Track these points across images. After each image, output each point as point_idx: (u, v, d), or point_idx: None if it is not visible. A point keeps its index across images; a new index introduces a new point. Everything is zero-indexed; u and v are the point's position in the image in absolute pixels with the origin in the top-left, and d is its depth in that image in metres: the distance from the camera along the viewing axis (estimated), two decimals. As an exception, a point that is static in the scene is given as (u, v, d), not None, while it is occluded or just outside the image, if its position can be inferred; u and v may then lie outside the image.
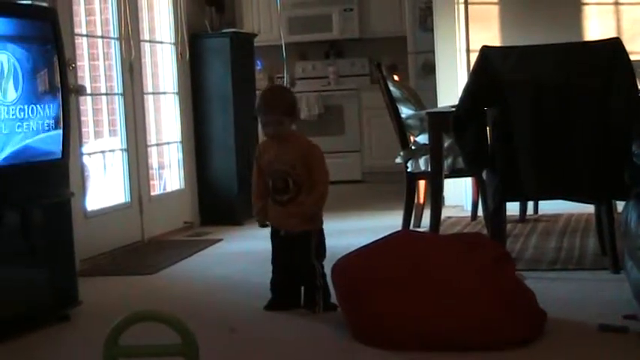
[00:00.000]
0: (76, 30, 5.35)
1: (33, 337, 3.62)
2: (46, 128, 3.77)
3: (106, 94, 5.82)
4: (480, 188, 5.53)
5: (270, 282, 3.85)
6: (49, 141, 3.80)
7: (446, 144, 5.04)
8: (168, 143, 6.51)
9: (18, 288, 3.64)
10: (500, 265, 3.36)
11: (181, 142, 6.53)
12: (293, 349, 3.30)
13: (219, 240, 5.88)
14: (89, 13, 5.67)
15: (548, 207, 5.94)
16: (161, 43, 6.46)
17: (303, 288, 3.77)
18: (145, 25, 6.24)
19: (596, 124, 4.10)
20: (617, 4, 6.38)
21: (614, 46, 4.15)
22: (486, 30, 6.52)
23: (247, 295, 4.15)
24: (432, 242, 3.64)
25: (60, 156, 3.88)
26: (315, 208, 3.69)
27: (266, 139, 3.85)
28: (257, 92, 7.14)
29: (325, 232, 3.77)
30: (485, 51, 4.25)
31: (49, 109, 3.79)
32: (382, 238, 3.60)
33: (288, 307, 3.76)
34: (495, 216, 4.39)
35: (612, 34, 5.62)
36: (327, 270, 3.63)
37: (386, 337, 3.19)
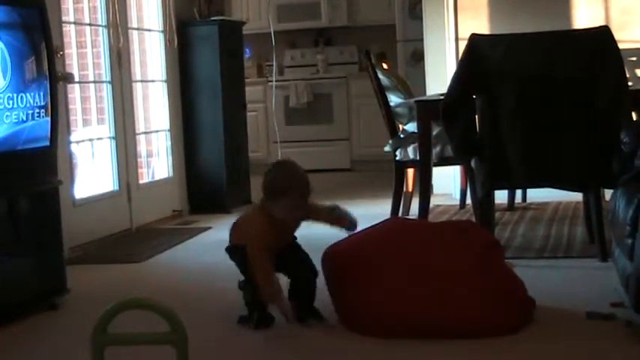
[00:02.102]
0: (64, 18, 5.33)
1: (21, 325, 3.61)
2: (34, 116, 3.76)
3: (94, 81, 5.80)
4: (468, 176, 5.54)
5: (249, 302, 3.46)
6: (37, 129, 3.79)
7: (434, 132, 5.04)
8: (156, 131, 6.49)
9: (5, 276, 3.63)
10: (490, 253, 3.36)
11: (170, 130, 6.52)
12: (284, 335, 3.30)
13: (208, 228, 5.88)
14: (77, 0, 5.64)
15: (537, 195, 5.96)
16: (149, 30, 6.43)
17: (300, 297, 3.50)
18: (133, 13, 6.22)
19: (585, 112, 4.11)
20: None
21: (602, 35, 4.16)
22: (475, 18, 6.52)
23: (235, 283, 4.14)
24: (423, 229, 3.65)
25: (48, 144, 3.86)
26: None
27: (261, 219, 3.41)
28: (246, 80, 7.19)
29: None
30: (474, 39, 4.24)
31: (37, 97, 3.77)
32: (373, 226, 3.60)
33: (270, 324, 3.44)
34: (484, 204, 4.40)
35: (601, 23, 5.63)
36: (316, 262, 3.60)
37: (375, 324, 3.19)
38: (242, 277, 3.51)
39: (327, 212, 3.48)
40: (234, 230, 3.58)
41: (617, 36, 4.21)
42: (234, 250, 3.53)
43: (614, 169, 3.80)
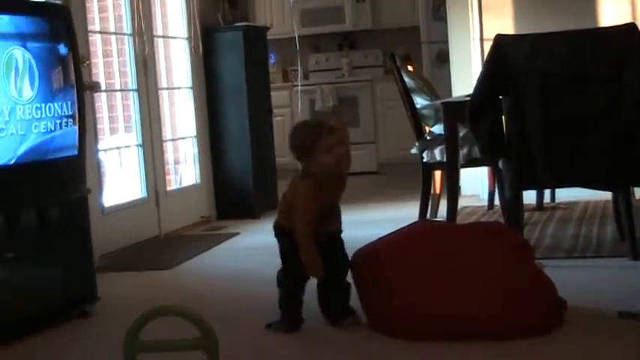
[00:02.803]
0: (90, 27, 5.36)
1: (52, 333, 3.63)
2: (62, 126, 3.78)
3: (121, 90, 5.83)
4: (496, 177, 5.52)
5: (282, 300, 3.44)
6: (66, 138, 3.81)
7: (461, 133, 5.03)
8: (183, 138, 6.52)
9: (36, 285, 3.66)
10: (520, 254, 3.35)
11: (196, 136, 6.54)
12: (313, 341, 3.29)
13: (236, 234, 5.89)
14: (102, 9, 5.68)
15: (566, 194, 5.92)
16: (174, 38, 6.46)
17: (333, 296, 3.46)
18: (158, 21, 6.25)
19: (611, 110, 4.08)
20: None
21: (629, 32, 4.12)
22: (500, 18, 6.50)
23: (265, 288, 4.15)
24: (453, 231, 3.63)
25: (76, 153, 3.89)
26: None
27: (306, 183, 3.33)
28: (271, 85, 7.21)
29: (342, 223, 3.71)
30: (500, 39, 4.22)
31: (65, 107, 3.80)
32: (402, 229, 3.59)
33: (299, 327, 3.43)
34: (512, 205, 4.37)
35: (628, 20, 5.59)
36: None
37: (404, 327, 3.19)
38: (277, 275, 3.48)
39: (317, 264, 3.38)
40: (282, 204, 3.47)
41: (643, 32, 4.18)
42: (280, 231, 3.45)
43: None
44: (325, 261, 3.33)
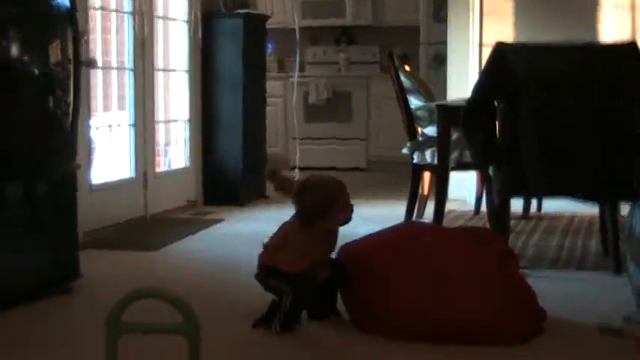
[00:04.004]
0: (90, 2, 5.34)
1: (34, 308, 3.62)
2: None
3: (117, 68, 5.81)
4: (485, 183, 5.53)
5: (291, 306, 3.27)
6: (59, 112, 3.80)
7: (453, 137, 5.03)
8: (175, 121, 6.50)
9: (20, 259, 3.64)
10: (505, 262, 3.36)
11: (189, 120, 6.53)
12: (296, 332, 3.30)
13: (221, 220, 5.89)
14: (104, -14, 5.66)
15: (552, 205, 5.94)
16: (174, 20, 6.44)
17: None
18: (159, 1, 6.23)
19: (607, 125, 4.09)
20: (633, 2, 6.35)
21: (629, 49, 4.14)
22: (500, 24, 6.51)
23: (248, 276, 4.15)
24: (439, 235, 3.64)
25: (69, 127, 3.87)
26: None
27: (304, 232, 3.29)
28: (267, 75, 7.20)
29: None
30: (500, 47, 4.23)
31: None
32: (388, 228, 3.60)
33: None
34: (500, 212, 4.39)
35: (627, 32, 5.62)
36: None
37: (384, 326, 3.19)
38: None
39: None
40: (275, 253, 3.33)
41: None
42: (284, 278, 3.27)
43: (635, 183, 3.79)
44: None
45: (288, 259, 3.26)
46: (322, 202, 3.21)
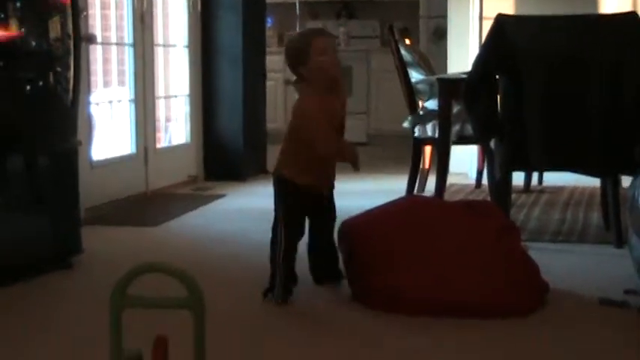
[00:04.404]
0: (89, -23, 5.32)
1: (36, 283, 3.63)
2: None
3: (117, 44, 5.79)
4: (486, 157, 5.52)
5: (280, 257, 3.30)
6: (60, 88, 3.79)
7: (454, 110, 5.02)
8: (175, 96, 6.49)
9: (22, 234, 3.65)
10: (506, 235, 3.36)
11: (189, 95, 6.52)
12: (298, 305, 3.31)
13: (223, 195, 5.89)
14: (102, -40, 5.63)
15: (553, 179, 5.94)
16: (173, -6, 6.42)
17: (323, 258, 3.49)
18: (158, -24, 6.21)
19: (609, 97, 4.08)
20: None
21: (630, 20, 4.12)
22: (501, -3, 6.48)
23: (250, 251, 4.16)
24: (441, 209, 3.64)
25: (69, 104, 3.87)
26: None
27: (309, 96, 3.31)
28: (267, 49, 7.17)
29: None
30: (501, 20, 4.21)
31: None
32: (389, 203, 3.60)
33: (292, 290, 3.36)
34: (501, 185, 4.38)
35: (628, 6, 5.59)
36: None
37: (387, 300, 3.20)
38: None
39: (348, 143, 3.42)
40: (284, 147, 3.41)
41: (644, 21, 4.17)
42: (282, 182, 3.34)
43: (636, 156, 3.78)
44: (316, 220, 3.38)
45: (295, 119, 3.36)
46: (297, 42, 3.29)
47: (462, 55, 6.59)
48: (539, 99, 4.13)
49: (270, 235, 3.40)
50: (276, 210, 3.38)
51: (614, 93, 4.07)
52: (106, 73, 5.77)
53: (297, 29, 7.37)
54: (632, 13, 4.22)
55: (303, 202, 3.32)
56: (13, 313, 3.29)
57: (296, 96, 3.37)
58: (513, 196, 5.35)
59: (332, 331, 3.08)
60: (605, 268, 3.89)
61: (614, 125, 4.08)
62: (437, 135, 5.09)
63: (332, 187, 3.46)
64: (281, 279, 3.30)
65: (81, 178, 4.06)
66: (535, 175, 6.03)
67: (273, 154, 3.50)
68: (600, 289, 3.42)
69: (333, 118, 3.30)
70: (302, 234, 3.38)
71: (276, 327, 3.12)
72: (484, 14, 6.52)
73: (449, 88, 4.83)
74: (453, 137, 5.09)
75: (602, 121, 4.09)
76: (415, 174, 5.58)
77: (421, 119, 5.49)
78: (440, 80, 4.99)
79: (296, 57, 3.27)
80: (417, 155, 5.60)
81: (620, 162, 4.11)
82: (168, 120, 6.49)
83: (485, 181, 5.68)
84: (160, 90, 6.25)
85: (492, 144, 4.54)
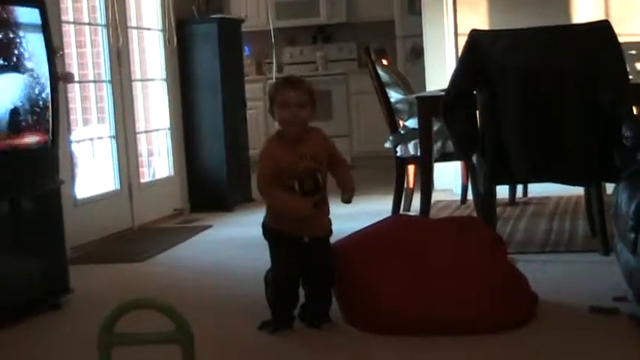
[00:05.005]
0: (63, 17, 5.33)
1: (24, 325, 3.61)
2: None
3: (94, 81, 5.79)
4: (469, 172, 5.53)
5: (272, 300, 3.32)
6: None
7: (435, 128, 5.04)
8: (157, 130, 6.49)
9: (8, 276, 3.62)
10: (493, 249, 3.37)
11: (170, 128, 6.52)
12: (286, 334, 3.29)
13: (209, 226, 5.88)
14: (76, -1, 5.64)
15: (538, 190, 5.96)
16: (149, 29, 6.43)
17: (311, 301, 3.37)
18: (132, 12, 6.22)
19: (586, 106, 4.11)
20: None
21: (603, 29, 4.15)
22: (475, 13, 6.52)
23: (238, 281, 4.15)
24: (427, 227, 3.64)
25: (49, 143, 3.86)
26: (354, 192, 3.34)
27: (272, 138, 3.33)
28: (245, 78, 7.19)
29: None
30: (475, 34, 4.24)
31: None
32: (375, 223, 3.59)
33: (289, 327, 3.32)
34: (485, 200, 4.39)
35: (601, 17, 5.63)
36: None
37: (376, 321, 3.20)
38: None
39: (343, 167, 3.38)
40: None
41: (617, 29, 4.19)
42: (265, 230, 3.35)
43: (617, 163, 3.80)
44: (304, 262, 3.29)
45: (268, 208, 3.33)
46: (270, 91, 3.32)
47: (440, 72, 6.62)
48: (516, 112, 4.15)
49: (257, 263, 3.39)
50: None
51: (589, 101, 4.10)
52: (85, 111, 5.78)
53: (274, 57, 7.38)
54: (604, 22, 4.25)
55: (286, 246, 3.28)
56: (3, 356, 3.27)
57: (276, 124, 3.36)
58: (499, 209, 5.38)
59: (323, 352, 3.07)
60: (593, 276, 3.90)
61: (592, 133, 4.10)
62: (419, 153, 5.10)
63: (318, 234, 3.31)
64: (273, 319, 3.31)
65: (65, 217, 4.05)
66: (520, 187, 6.05)
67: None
68: (590, 297, 3.43)
69: (293, 167, 3.23)
70: (292, 278, 3.30)
71: (266, 358, 3.11)
72: (459, 30, 6.56)
73: (428, 106, 4.85)
74: (435, 155, 5.11)
75: (579, 130, 4.11)
76: (400, 193, 5.59)
77: (402, 138, 5.50)
78: (419, 99, 5.00)
79: (269, 104, 3.32)
80: (401, 175, 5.61)
81: (601, 170, 4.13)
82: (150, 154, 6.48)
83: (470, 196, 5.69)
84: (140, 125, 6.25)
85: (474, 159, 4.55)
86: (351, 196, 3.33)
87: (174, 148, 6.54)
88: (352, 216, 5.55)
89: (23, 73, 3.70)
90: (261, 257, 3.55)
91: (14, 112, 3.64)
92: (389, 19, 9.06)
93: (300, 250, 3.27)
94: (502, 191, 5.47)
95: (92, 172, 5.76)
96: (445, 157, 5.31)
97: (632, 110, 4.22)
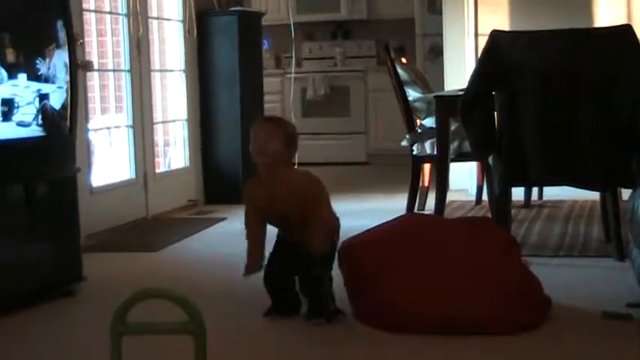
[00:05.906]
0: (84, 5, 5.34)
1: (37, 311, 3.62)
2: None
3: (114, 70, 5.81)
4: (485, 173, 5.53)
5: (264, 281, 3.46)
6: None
7: (452, 128, 5.03)
8: (174, 121, 6.50)
9: (22, 263, 3.64)
10: (506, 251, 3.36)
11: (187, 119, 6.52)
12: (299, 327, 3.30)
13: (223, 219, 5.88)
14: (97, -12, 5.66)
15: (553, 193, 5.94)
16: (169, 20, 6.44)
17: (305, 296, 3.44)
18: (153, 2, 6.23)
19: (605, 110, 4.08)
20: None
21: (624, 33, 4.13)
22: (495, 14, 6.50)
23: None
24: (441, 226, 3.64)
25: (67, 131, 3.87)
26: (321, 251, 3.26)
27: (253, 178, 3.49)
28: (264, 72, 7.19)
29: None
30: (495, 35, 4.22)
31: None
32: (389, 221, 3.59)
33: (288, 314, 3.41)
34: (501, 201, 4.38)
35: (623, 21, 5.60)
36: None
37: (388, 320, 3.19)
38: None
39: (317, 222, 3.28)
40: None
41: (639, 34, 4.18)
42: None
43: (634, 168, 3.78)
44: (287, 261, 3.41)
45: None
46: (294, 128, 3.45)
47: (459, 72, 6.60)
48: (535, 113, 4.13)
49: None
50: None
51: (608, 105, 4.07)
52: (103, 99, 5.79)
53: (294, 51, 7.38)
54: (627, 26, 4.22)
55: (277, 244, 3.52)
56: (15, 341, 3.29)
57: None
58: (514, 211, 5.36)
59: (336, 350, 3.07)
60: (607, 281, 3.88)
61: (610, 138, 4.08)
62: (435, 152, 5.09)
63: (311, 246, 3.28)
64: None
65: (81, 205, 4.06)
66: (535, 190, 6.03)
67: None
68: (603, 303, 3.41)
69: (267, 208, 3.42)
70: (271, 275, 3.46)
71: (278, 350, 3.11)
72: (479, 31, 6.54)
73: (446, 105, 4.84)
74: (451, 154, 5.09)
75: (597, 134, 4.09)
76: (415, 192, 5.58)
77: (419, 137, 5.49)
78: (437, 98, 4.99)
79: (295, 139, 3.44)
80: (416, 173, 5.60)
81: (618, 175, 4.11)
82: (166, 145, 6.49)
83: (485, 197, 5.68)
84: (157, 115, 6.26)
85: (491, 160, 4.54)
86: (316, 252, 3.28)
87: (191, 140, 6.55)
88: (366, 213, 5.55)
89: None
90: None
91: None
92: (409, 17, 9.04)
93: (288, 252, 3.43)
94: (517, 193, 5.46)
95: (108, 160, 5.77)
96: (461, 156, 5.30)
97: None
